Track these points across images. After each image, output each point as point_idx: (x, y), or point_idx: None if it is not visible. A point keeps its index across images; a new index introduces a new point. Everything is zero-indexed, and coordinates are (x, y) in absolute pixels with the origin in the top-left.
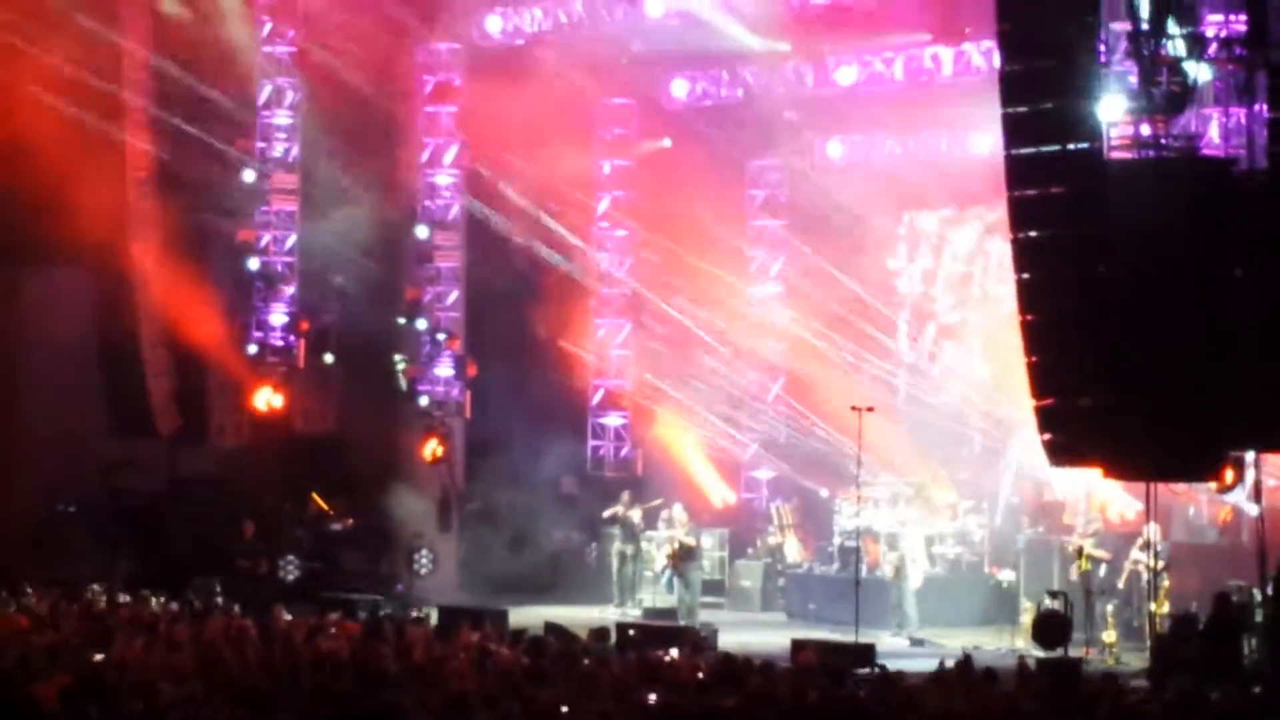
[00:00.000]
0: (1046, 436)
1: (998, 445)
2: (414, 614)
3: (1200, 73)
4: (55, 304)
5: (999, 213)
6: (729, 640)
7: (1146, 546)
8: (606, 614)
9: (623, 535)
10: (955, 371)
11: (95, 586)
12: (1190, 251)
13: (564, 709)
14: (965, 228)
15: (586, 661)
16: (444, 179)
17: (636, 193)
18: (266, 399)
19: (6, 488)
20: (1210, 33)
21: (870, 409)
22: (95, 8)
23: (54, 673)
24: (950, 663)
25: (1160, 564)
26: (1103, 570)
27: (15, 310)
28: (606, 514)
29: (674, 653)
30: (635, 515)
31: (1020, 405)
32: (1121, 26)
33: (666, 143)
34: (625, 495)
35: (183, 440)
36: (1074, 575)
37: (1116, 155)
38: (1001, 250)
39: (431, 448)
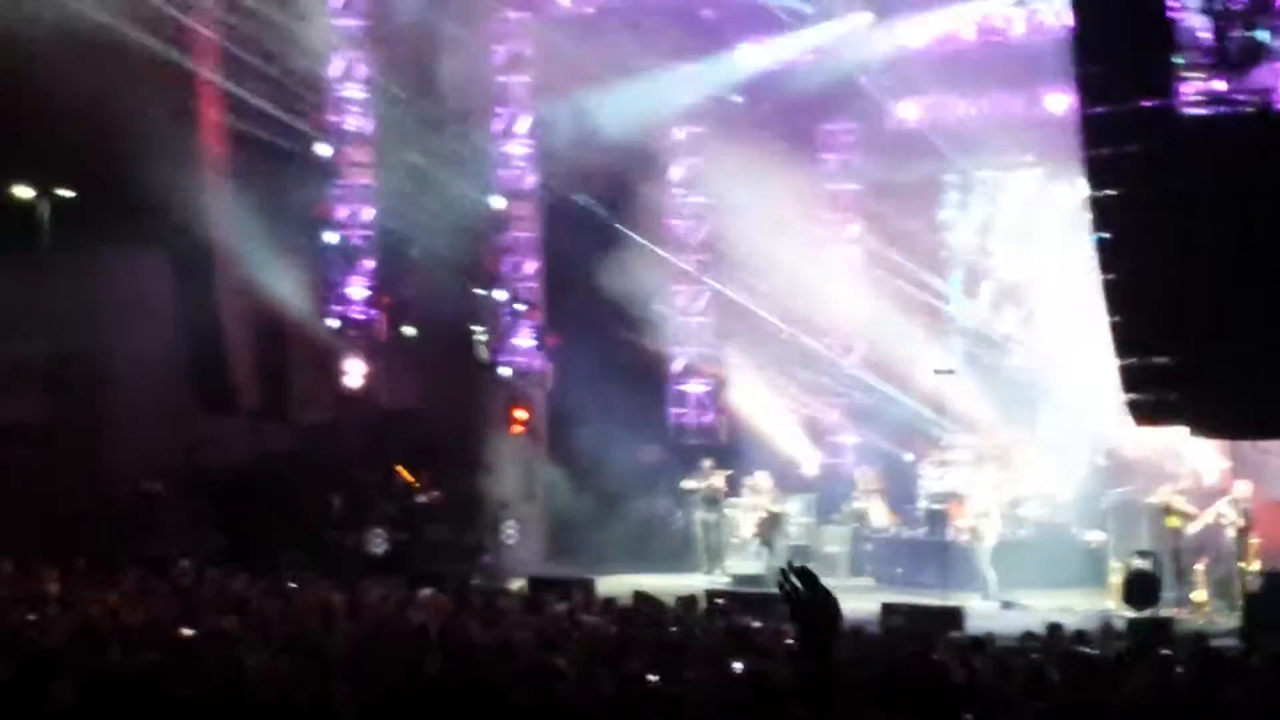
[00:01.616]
0: (1130, 396)
1: (1076, 406)
2: (503, 585)
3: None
4: (137, 283)
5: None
6: None
7: (1235, 503)
8: (695, 582)
9: (705, 503)
10: (1018, 336)
11: (184, 563)
12: (1267, 205)
13: (652, 678)
14: (1025, 172)
15: (674, 630)
16: (517, 149)
17: (710, 159)
18: (349, 372)
19: (95, 467)
20: None
21: (952, 371)
22: None
23: (145, 650)
24: (1039, 629)
25: (1242, 520)
26: (1192, 527)
27: (98, 291)
28: (688, 484)
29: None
30: (718, 482)
31: (1094, 365)
32: None
33: (738, 99)
34: (707, 463)
35: (266, 416)
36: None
37: (1190, 111)
38: (1069, 199)
39: (515, 418)
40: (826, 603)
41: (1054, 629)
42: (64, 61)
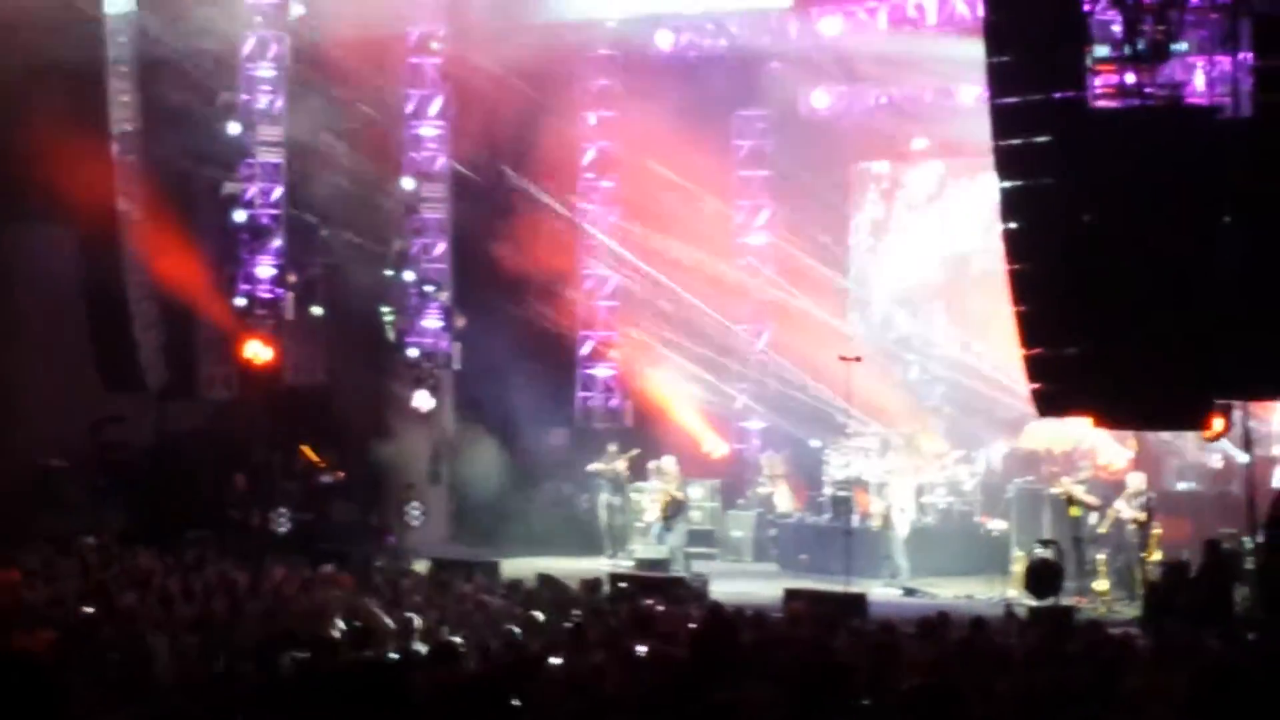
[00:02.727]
0: (1035, 386)
1: (979, 397)
2: (406, 566)
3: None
4: (41, 260)
5: (967, 157)
6: (720, 590)
7: (1131, 497)
8: (599, 565)
9: (610, 487)
10: (912, 344)
11: (88, 540)
12: (1176, 199)
13: (556, 660)
14: (923, 168)
15: (578, 612)
16: (429, 131)
17: (622, 144)
18: (255, 351)
19: None
20: None
21: (858, 359)
22: None
23: (44, 627)
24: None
25: (1143, 515)
26: (1093, 518)
27: (2, 267)
28: (591, 467)
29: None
30: (621, 466)
31: (998, 357)
32: None
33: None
34: (612, 447)
35: (172, 394)
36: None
37: (1101, 104)
38: (968, 197)
39: (421, 399)
40: None
41: (942, 617)
42: None
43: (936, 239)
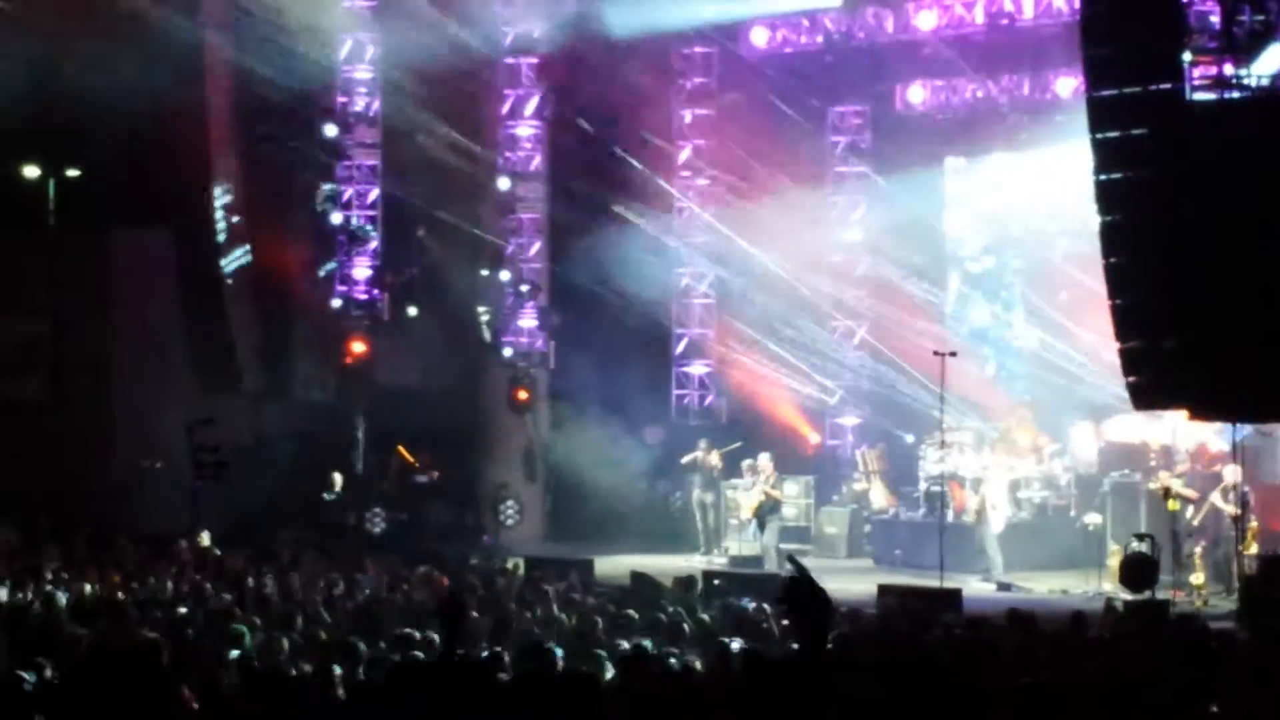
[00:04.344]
0: (1131, 379)
1: (1060, 390)
2: (501, 565)
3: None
4: (141, 262)
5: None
6: None
7: (1226, 490)
8: (693, 562)
9: (702, 483)
10: (988, 335)
11: (183, 541)
12: (1272, 189)
13: (650, 657)
14: (1011, 159)
15: (672, 609)
16: (525, 130)
17: (718, 141)
18: (352, 353)
19: (96, 444)
20: None
21: (953, 353)
22: None
23: (145, 627)
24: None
25: (1237, 509)
26: (1189, 510)
27: (103, 270)
28: (685, 460)
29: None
30: (714, 462)
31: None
32: None
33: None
34: (703, 442)
35: (268, 395)
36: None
37: (1199, 96)
38: (1050, 188)
39: (516, 398)
40: (821, 591)
41: (1014, 613)
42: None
43: (1019, 225)
